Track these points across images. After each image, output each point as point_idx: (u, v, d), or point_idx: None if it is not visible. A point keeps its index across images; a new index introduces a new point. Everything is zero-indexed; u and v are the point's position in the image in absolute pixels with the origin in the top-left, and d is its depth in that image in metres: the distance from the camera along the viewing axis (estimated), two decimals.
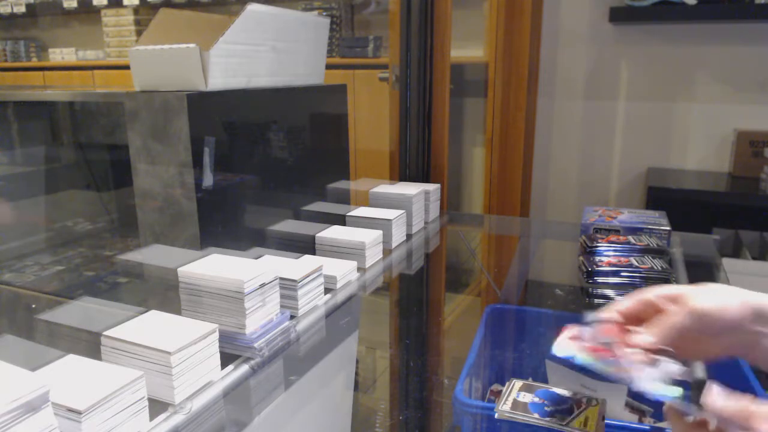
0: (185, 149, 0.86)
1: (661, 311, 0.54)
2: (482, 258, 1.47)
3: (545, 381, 0.97)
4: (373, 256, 1.13)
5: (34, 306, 1.00)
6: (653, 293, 0.56)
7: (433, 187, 1.44)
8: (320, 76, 1.24)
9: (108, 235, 1.32)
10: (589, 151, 2.39)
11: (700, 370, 0.55)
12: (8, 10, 3.99)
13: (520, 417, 0.69)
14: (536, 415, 0.69)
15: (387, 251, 1.20)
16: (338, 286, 1.00)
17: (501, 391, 0.75)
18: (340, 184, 1.30)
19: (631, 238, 1.19)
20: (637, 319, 0.56)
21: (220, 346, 0.72)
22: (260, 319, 0.79)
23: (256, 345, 0.77)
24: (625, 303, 0.57)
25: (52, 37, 4.14)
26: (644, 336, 0.52)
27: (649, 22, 2.18)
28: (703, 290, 0.53)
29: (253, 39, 1.00)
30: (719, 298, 0.51)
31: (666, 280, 1.06)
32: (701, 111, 2.19)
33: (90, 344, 0.73)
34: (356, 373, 0.94)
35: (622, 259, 1.12)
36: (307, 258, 0.99)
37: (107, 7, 3.64)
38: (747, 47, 2.08)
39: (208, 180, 0.90)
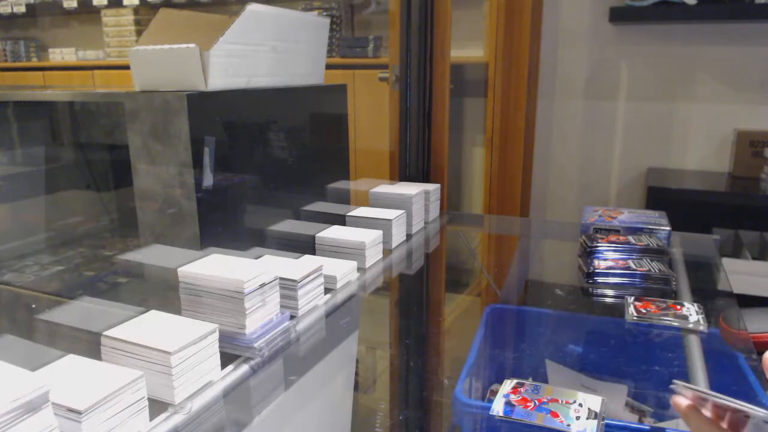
0: (185, 149, 0.86)
1: None
2: (482, 258, 1.47)
3: (545, 381, 0.97)
4: (373, 256, 1.13)
5: (34, 306, 1.00)
6: None
7: (433, 187, 1.44)
8: (320, 76, 1.24)
9: (108, 235, 1.32)
10: (589, 151, 2.39)
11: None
12: (8, 10, 3.99)
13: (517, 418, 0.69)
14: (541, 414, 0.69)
15: (387, 251, 1.20)
16: (338, 286, 1.00)
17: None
18: (340, 184, 1.30)
19: (631, 238, 1.19)
20: None
21: (220, 346, 0.72)
22: (260, 319, 0.79)
23: (256, 345, 0.77)
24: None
25: (52, 37, 4.13)
26: None
27: (649, 22, 2.18)
28: None
29: (253, 39, 1.00)
30: None
31: (666, 282, 1.06)
32: (701, 111, 2.19)
33: (90, 344, 0.73)
34: (356, 373, 0.94)
35: (620, 261, 1.12)
36: (307, 258, 0.99)
37: (107, 7, 3.64)
38: (747, 47, 2.08)
39: (208, 180, 0.90)
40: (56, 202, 1.30)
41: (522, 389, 0.74)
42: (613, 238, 1.20)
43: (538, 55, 2.35)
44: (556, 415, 0.68)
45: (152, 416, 0.63)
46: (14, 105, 1.24)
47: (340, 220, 1.23)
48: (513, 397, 0.72)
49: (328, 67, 1.26)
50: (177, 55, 0.91)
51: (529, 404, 0.70)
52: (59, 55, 3.89)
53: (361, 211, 1.25)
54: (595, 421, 0.67)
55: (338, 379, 0.90)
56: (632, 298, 0.99)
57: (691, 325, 0.90)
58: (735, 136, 2.09)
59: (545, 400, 0.71)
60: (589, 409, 0.69)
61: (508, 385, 0.75)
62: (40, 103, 1.27)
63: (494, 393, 0.91)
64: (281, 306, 0.83)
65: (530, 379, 0.79)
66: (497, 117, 2.18)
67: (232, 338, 0.77)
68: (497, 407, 0.71)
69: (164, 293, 0.92)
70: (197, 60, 0.89)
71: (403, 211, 1.27)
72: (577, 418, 0.68)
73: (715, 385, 0.76)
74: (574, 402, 0.71)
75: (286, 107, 1.12)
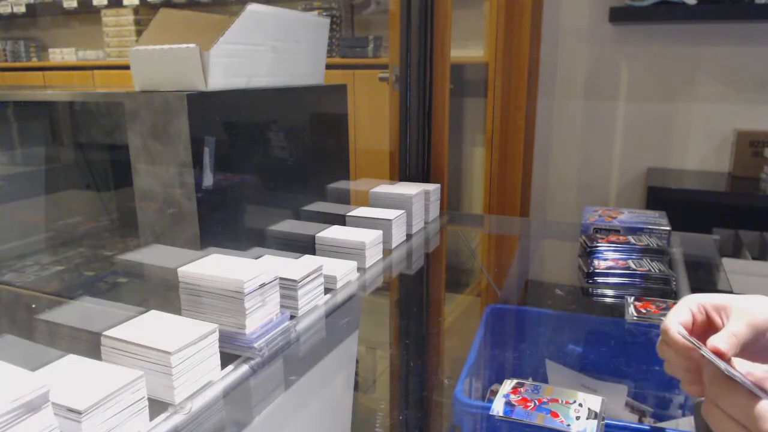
0: (185, 149, 0.86)
1: (711, 320, 0.54)
2: (482, 258, 1.47)
3: (545, 381, 0.97)
4: (373, 256, 1.13)
5: (34, 306, 1.00)
6: (698, 302, 0.56)
7: (433, 187, 1.43)
8: (320, 76, 1.24)
9: (108, 235, 1.32)
10: (589, 151, 2.39)
11: None
12: (8, 10, 3.99)
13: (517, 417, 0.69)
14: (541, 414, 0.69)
15: (387, 251, 1.20)
16: (338, 286, 1.00)
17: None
18: (340, 184, 1.30)
19: (631, 238, 1.19)
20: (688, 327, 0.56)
21: (220, 346, 0.72)
22: (260, 319, 0.79)
23: (256, 345, 0.77)
24: (680, 314, 0.56)
25: (52, 37, 4.14)
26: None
27: (649, 22, 2.18)
28: (750, 300, 0.53)
29: (253, 39, 1.00)
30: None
31: (665, 282, 1.06)
32: (701, 111, 2.19)
33: (90, 344, 0.73)
34: (356, 373, 0.94)
35: (620, 261, 1.12)
36: (307, 258, 0.99)
37: (107, 7, 3.64)
38: (747, 47, 2.09)
39: (208, 180, 0.90)
40: (56, 202, 1.30)
41: (522, 389, 0.74)
42: (613, 238, 1.20)
43: (538, 55, 2.35)
44: (556, 415, 0.68)
45: (152, 416, 0.63)
46: (14, 105, 1.24)
47: (340, 220, 1.23)
48: (513, 397, 0.72)
49: (328, 67, 1.26)
50: (177, 55, 0.91)
51: (529, 404, 0.70)
52: (59, 55, 3.89)
53: (361, 211, 1.25)
54: (595, 421, 0.67)
55: (338, 379, 0.90)
56: (632, 298, 0.99)
57: None
58: (735, 136, 2.09)
59: (545, 400, 0.71)
60: (589, 409, 0.69)
61: (508, 385, 0.75)
62: (40, 103, 1.27)
63: (494, 393, 0.91)
64: (281, 306, 0.83)
65: (530, 379, 0.79)
66: (497, 117, 2.18)
67: (232, 338, 0.77)
68: (497, 407, 0.71)
69: (164, 293, 0.92)
70: (197, 60, 0.89)
71: (403, 211, 1.27)
72: (577, 418, 0.68)
73: None
74: (574, 402, 0.71)
75: (286, 107, 1.12)
